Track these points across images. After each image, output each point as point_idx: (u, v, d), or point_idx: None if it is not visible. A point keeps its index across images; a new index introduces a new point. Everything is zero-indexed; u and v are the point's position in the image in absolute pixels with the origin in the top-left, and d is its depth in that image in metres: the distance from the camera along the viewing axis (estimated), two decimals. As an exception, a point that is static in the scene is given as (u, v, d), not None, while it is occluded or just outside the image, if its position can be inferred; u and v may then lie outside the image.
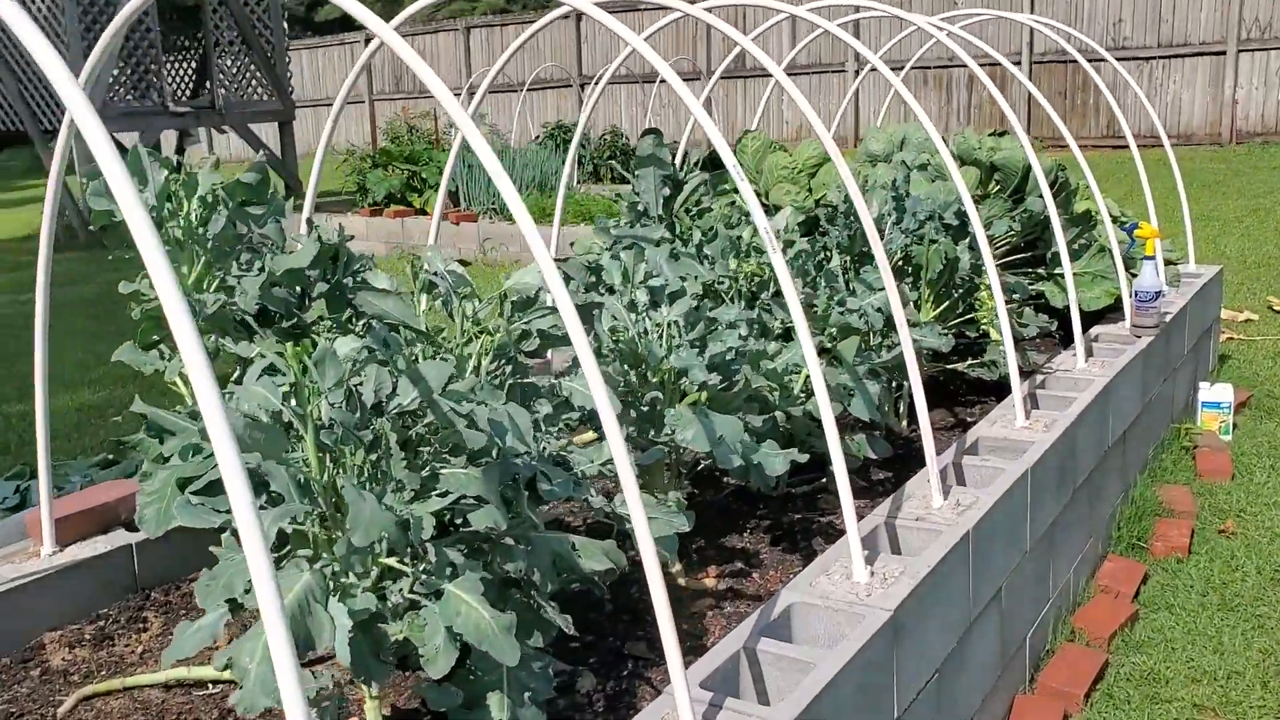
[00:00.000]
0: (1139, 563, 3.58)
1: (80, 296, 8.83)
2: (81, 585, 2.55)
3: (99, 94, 11.48)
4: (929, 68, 16.02)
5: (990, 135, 4.41)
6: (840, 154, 2.68)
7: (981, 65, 3.62)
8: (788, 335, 2.99)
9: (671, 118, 17.57)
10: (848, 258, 3.50)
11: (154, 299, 2.27)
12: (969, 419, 3.81)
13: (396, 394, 1.81)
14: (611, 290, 2.78)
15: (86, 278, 9.60)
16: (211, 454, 1.83)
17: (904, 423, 3.67)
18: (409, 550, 1.79)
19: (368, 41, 21.61)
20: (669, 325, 2.55)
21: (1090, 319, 4.39)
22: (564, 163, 11.48)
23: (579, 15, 18.44)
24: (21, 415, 5.61)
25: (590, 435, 2.87)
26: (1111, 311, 4.45)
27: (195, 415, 2.04)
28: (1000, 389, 3.82)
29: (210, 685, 2.24)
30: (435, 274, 2.22)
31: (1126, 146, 5.05)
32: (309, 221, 2.71)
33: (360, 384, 1.83)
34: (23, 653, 2.39)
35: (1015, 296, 3.87)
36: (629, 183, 3.55)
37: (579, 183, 11.83)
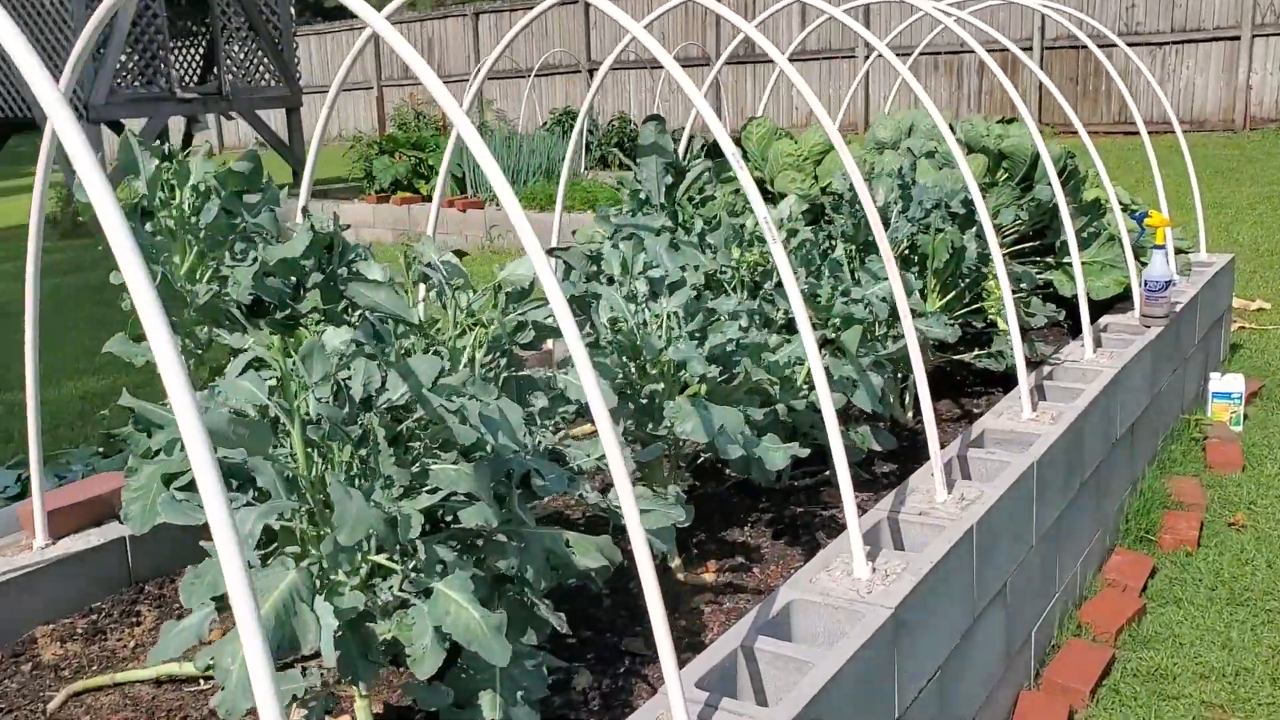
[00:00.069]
0: (1147, 556, 3.54)
1: (86, 283, 8.82)
2: (74, 578, 2.52)
3: (105, 80, 11.46)
4: (939, 53, 15.91)
5: (999, 122, 4.35)
6: (844, 143, 2.64)
7: (992, 51, 3.56)
8: (791, 326, 2.95)
9: (680, 103, 17.48)
10: (853, 247, 3.45)
11: (144, 290, 2.23)
12: (975, 410, 3.76)
13: (386, 389, 1.77)
14: (612, 280, 2.74)
15: (94, 264, 9.58)
16: (198, 449, 1.79)
17: (910, 414, 3.62)
18: (399, 547, 1.76)
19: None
20: (668, 316, 2.51)
21: (1099, 309, 4.34)
22: (579, 150, 11.44)
23: (586, 1, 18.36)
24: (23, 404, 5.58)
25: (588, 428, 2.83)
26: (1121, 301, 4.39)
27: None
28: (1008, 379, 3.78)
29: (201, 681, 2.21)
30: (429, 265, 2.18)
31: (1138, 133, 4.98)
32: (304, 210, 2.67)
33: (349, 378, 1.79)
34: (14, 647, 2.37)
35: (1022, 286, 3.81)
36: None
37: (586, 169, 11.77)
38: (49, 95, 1.23)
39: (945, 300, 3.65)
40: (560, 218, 4.12)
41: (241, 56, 13.70)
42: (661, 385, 2.54)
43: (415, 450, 1.82)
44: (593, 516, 2.84)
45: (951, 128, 4.34)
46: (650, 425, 2.52)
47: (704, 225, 3.13)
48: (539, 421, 2.15)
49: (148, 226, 2.38)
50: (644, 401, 2.53)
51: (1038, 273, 4.10)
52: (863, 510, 2.73)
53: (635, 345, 2.51)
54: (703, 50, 17.66)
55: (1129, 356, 3.74)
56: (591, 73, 19.50)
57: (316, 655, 2.21)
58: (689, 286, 2.59)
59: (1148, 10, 14.67)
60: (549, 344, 2.71)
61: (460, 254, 2.42)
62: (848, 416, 3.06)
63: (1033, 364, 3.72)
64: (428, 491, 1.76)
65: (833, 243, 3.41)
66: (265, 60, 13.76)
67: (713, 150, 4.10)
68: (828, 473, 3.11)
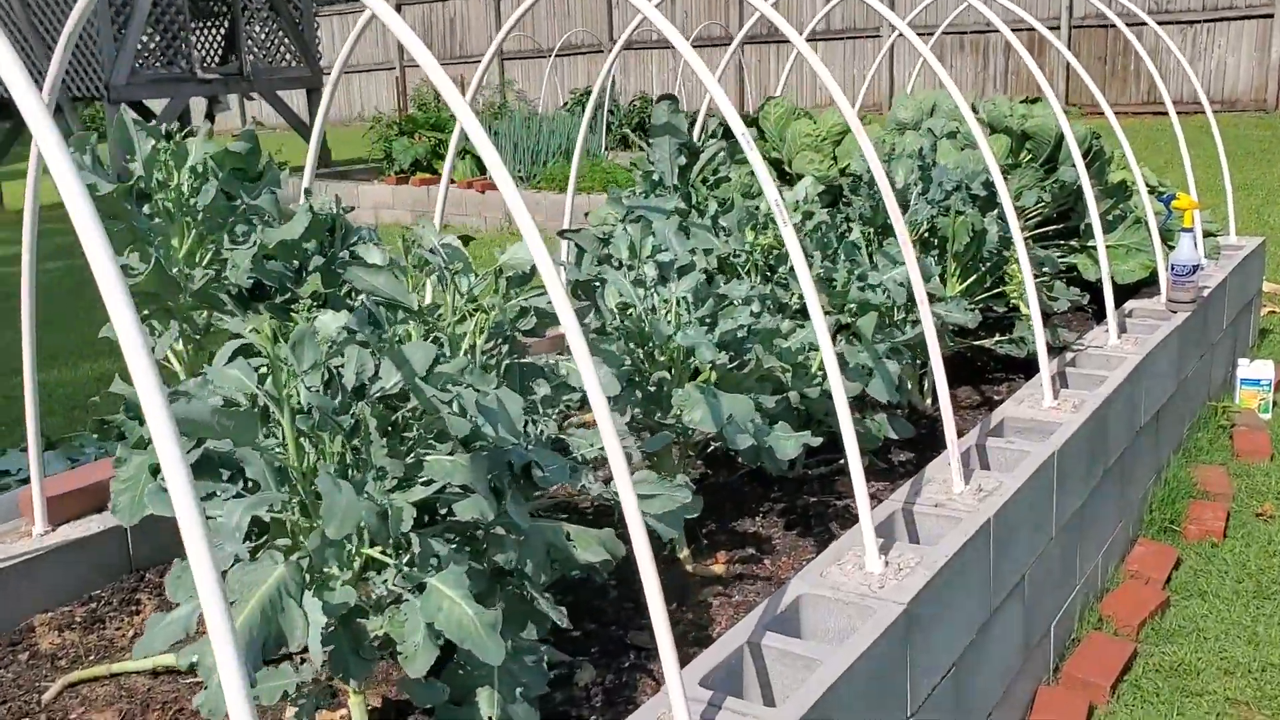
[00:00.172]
0: (1171, 547, 3.46)
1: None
2: (74, 566, 2.48)
3: (126, 60, 11.44)
4: (965, 33, 15.70)
5: (1022, 102, 4.25)
6: (865, 124, 2.56)
7: (1018, 30, 3.47)
8: (805, 311, 2.87)
9: (703, 84, 17.34)
10: (871, 230, 3.37)
11: (139, 273, 2.19)
12: (996, 397, 3.68)
13: (379, 377, 1.72)
14: (620, 265, 2.67)
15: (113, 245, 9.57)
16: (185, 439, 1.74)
17: (929, 401, 3.54)
18: (393, 540, 1.71)
19: (398, 9, 21.47)
20: (677, 301, 2.45)
21: (1124, 293, 4.24)
22: (593, 130, 11.35)
23: (610, -20, 18.26)
24: (40, 385, 5.56)
25: (593, 416, 2.77)
26: (1147, 285, 4.29)
27: (177, 396, 1.96)
28: (1030, 366, 3.69)
29: (198, 673, 2.17)
30: (430, 249, 2.12)
31: (1167, 113, 4.86)
32: (307, 191, 2.61)
33: (342, 366, 1.74)
34: (11, 636, 2.33)
35: (1045, 270, 3.72)
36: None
37: (607, 150, 11.67)
38: (16, 77, 1.17)
39: (966, 284, 3.56)
40: (572, 198, 4.06)
41: (262, 37, 13.67)
42: (670, 372, 2.48)
43: (410, 441, 1.76)
44: (602, 506, 2.78)
45: (974, 108, 4.24)
46: (658, 413, 2.46)
47: (717, 207, 3.06)
48: (541, 410, 2.09)
49: (145, 209, 2.33)
50: (652, 389, 2.46)
51: (1061, 256, 4.01)
52: (877, 501, 2.66)
53: (643, 331, 2.44)
54: (725, 30, 17.50)
55: (1154, 342, 3.65)
56: (617, 54, 19.34)
57: (313, 648, 2.17)
58: (698, 271, 2.52)
59: (1178, -12, 14.42)
60: (560, 328, 2.65)
61: (466, 239, 2.35)
62: (864, 403, 2.99)
63: (1055, 350, 3.63)
64: (422, 483, 1.70)
65: (850, 225, 3.33)
66: (286, 40, 13.72)
67: (729, 130, 4.02)
68: (843, 461, 3.04)
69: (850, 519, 2.77)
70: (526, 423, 2.03)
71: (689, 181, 3.34)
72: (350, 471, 1.69)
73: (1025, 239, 3.05)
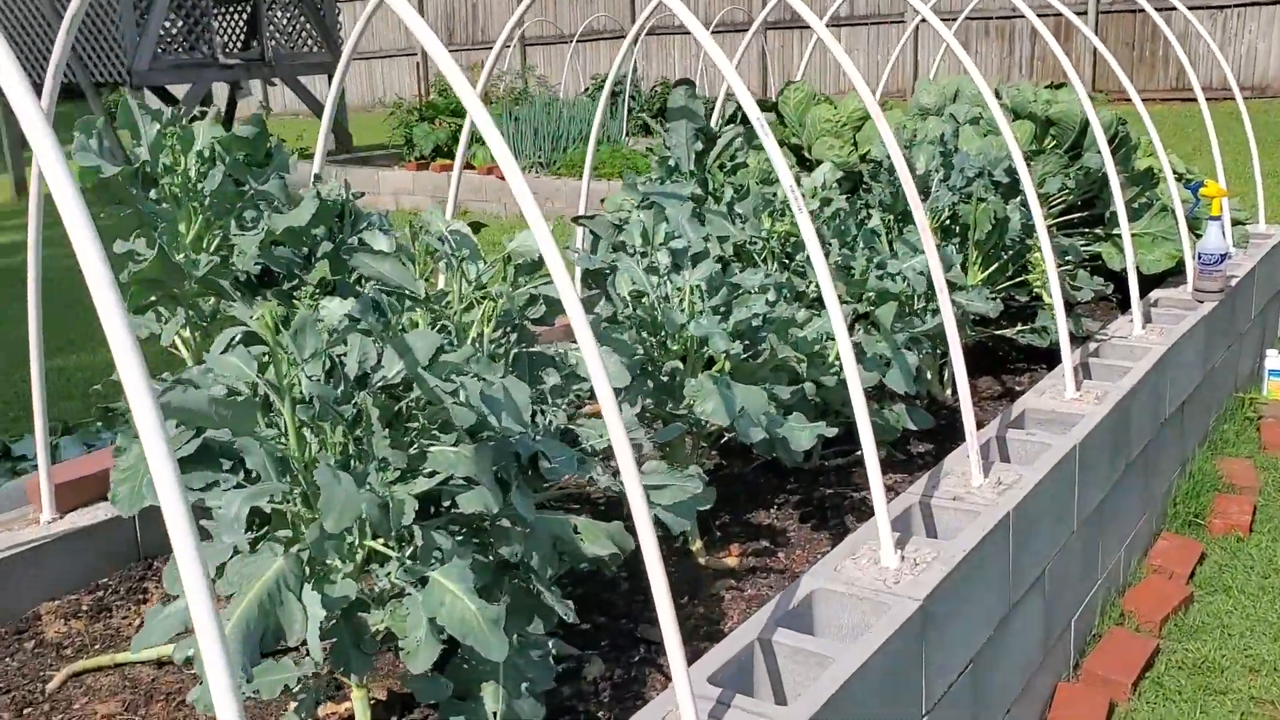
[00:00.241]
0: (1195, 541, 3.39)
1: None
2: (81, 554, 2.47)
3: (148, 46, 11.45)
4: (990, 18, 15.53)
5: (1047, 87, 4.17)
6: (888, 109, 2.50)
7: (1044, 16, 3.40)
8: (822, 300, 2.82)
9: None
10: (891, 217, 3.31)
11: (144, 259, 2.16)
12: (1017, 388, 3.62)
13: (381, 366, 1.68)
14: (634, 252, 2.63)
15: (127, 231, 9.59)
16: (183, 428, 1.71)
17: (948, 391, 3.49)
18: (395, 533, 1.67)
19: (420, -8, 21.40)
20: (690, 290, 2.40)
21: (1150, 283, 4.16)
22: (614, 116, 11.29)
23: (632, -35, 18.16)
24: (56, 370, 5.57)
25: (606, 405, 2.73)
26: (1173, 275, 4.21)
27: (177, 385, 1.93)
28: (1052, 356, 3.63)
29: (203, 663, 2.15)
30: (439, 236, 2.09)
31: (1196, 100, 4.77)
32: (317, 177, 2.58)
33: (345, 354, 1.70)
34: (17, 624, 2.32)
35: (1069, 258, 3.66)
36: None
37: (628, 135, 11.61)
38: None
39: (987, 273, 3.50)
40: (588, 184, 4.01)
41: (284, 22, 13.65)
42: (683, 362, 2.43)
43: (414, 431, 1.73)
44: (614, 497, 2.74)
45: (998, 93, 4.17)
46: (671, 404, 2.42)
47: (733, 194, 3.01)
48: (550, 400, 2.05)
49: (152, 194, 2.30)
50: (664, 379, 2.42)
51: (1085, 245, 3.94)
52: (894, 493, 2.61)
53: (655, 320, 2.40)
54: (748, 15, 17.37)
55: (1180, 333, 3.58)
56: (637, 39, 19.26)
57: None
58: (713, 258, 2.47)
59: (1209, -28, 14.21)
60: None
61: (476, 225, 2.31)
62: (882, 394, 2.94)
63: (1078, 340, 3.57)
64: (425, 475, 1.67)
65: (870, 212, 3.27)
66: (308, 26, 13.70)
67: (747, 116, 3.97)
68: (860, 452, 2.99)
69: (866, 512, 2.72)
70: (535, 413, 1.99)
71: (705, 167, 3.29)
72: (352, 462, 1.66)
73: (1048, 227, 2.99)
